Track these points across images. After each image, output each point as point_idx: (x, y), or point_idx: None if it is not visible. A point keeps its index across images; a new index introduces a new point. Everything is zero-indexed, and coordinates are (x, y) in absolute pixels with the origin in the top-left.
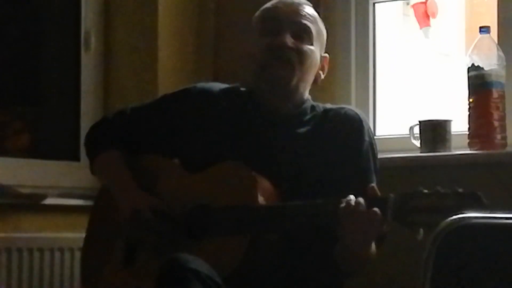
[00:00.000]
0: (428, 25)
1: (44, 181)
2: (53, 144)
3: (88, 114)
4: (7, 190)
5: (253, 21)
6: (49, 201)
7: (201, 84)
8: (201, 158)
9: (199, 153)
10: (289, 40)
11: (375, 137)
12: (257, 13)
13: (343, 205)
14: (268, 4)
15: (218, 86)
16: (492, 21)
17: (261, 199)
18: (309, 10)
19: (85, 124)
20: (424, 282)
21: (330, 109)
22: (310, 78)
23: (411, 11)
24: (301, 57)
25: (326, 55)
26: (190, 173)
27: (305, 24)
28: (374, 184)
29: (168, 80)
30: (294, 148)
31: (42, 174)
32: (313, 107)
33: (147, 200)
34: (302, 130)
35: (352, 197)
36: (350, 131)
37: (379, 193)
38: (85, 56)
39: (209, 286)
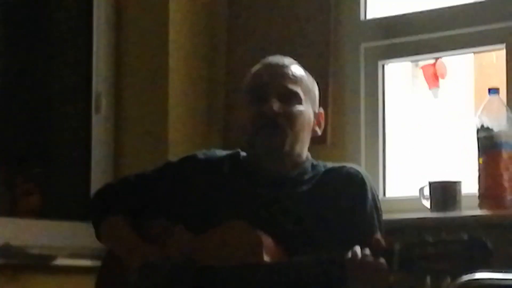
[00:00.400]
0: (437, 86)
1: (53, 242)
2: (63, 205)
3: (98, 176)
4: (17, 251)
5: (242, 91)
6: (58, 261)
7: (203, 151)
8: (205, 222)
9: (203, 217)
10: (276, 105)
11: (382, 197)
12: (245, 81)
13: (349, 257)
14: (254, 69)
15: (219, 153)
16: (501, 82)
17: (266, 258)
18: (295, 69)
19: (95, 186)
20: None
21: (332, 168)
22: (306, 138)
23: (420, 72)
24: (290, 119)
25: (321, 110)
26: (195, 235)
27: (290, 87)
28: (378, 236)
29: (178, 143)
30: (295, 207)
31: (52, 234)
32: (313, 166)
33: (157, 251)
34: (303, 189)
35: (358, 248)
36: (353, 190)
37: (384, 244)
38: (96, 118)
39: None
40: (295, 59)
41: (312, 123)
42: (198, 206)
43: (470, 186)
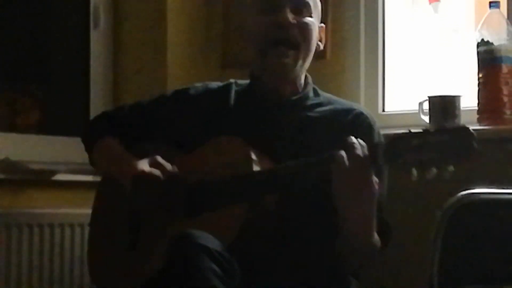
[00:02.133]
0: (438, 0)
1: (54, 157)
2: (63, 120)
3: (98, 91)
4: (17, 166)
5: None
6: (59, 177)
7: (196, 85)
8: (196, 142)
9: (194, 138)
10: (291, 16)
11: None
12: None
13: (335, 155)
14: None
15: (211, 85)
16: None
17: (256, 168)
18: None
19: (95, 100)
20: (433, 257)
21: (339, 105)
22: (311, 54)
23: None
24: (305, 33)
25: (322, 24)
26: (186, 153)
27: None
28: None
29: (177, 59)
30: (293, 131)
31: (52, 150)
32: (316, 92)
33: (147, 162)
34: (303, 114)
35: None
36: (358, 133)
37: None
38: (94, 32)
39: (220, 262)
40: None
41: (316, 38)
42: (190, 135)
43: (470, 101)
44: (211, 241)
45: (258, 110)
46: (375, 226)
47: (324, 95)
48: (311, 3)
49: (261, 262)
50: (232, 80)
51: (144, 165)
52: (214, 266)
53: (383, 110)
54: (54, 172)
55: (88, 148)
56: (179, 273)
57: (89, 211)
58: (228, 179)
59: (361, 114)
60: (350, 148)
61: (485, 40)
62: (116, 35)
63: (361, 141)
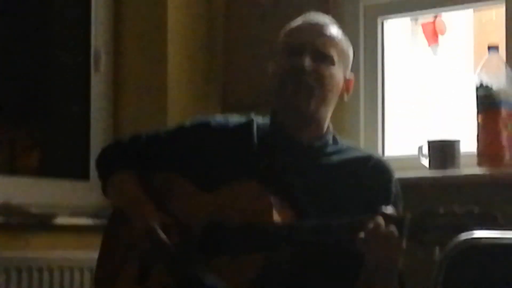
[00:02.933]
0: (437, 42)
1: (54, 200)
2: (63, 162)
3: (98, 133)
4: (17, 209)
5: (278, 41)
6: (59, 220)
7: (217, 118)
8: (215, 180)
9: (215, 181)
10: (308, 63)
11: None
12: (282, 32)
13: (365, 222)
14: (292, 23)
15: (232, 119)
16: (500, 39)
17: (276, 218)
18: (333, 30)
19: (95, 143)
20: None
21: (358, 153)
22: (332, 102)
23: (419, 29)
24: (320, 79)
25: (351, 76)
26: (204, 191)
27: (326, 47)
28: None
29: (177, 102)
30: (314, 178)
31: (52, 193)
32: (335, 140)
33: (160, 219)
34: (324, 161)
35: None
36: (378, 183)
37: (394, 213)
38: (95, 76)
39: None
40: (294, 15)
41: (340, 88)
42: (210, 172)
43: (469, 144)
44: (217, 282)
45: (279, 153)
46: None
47: (343, 142)
48: (335, 54)
49: None
50: (252, 116)
51: (157, 220)
52: None
53: (383, 154)
54: (54, 216)
55: (101, 178)
56: None
57: (89, 254)
58: (247, 227)
59: (380, 162)
60: (387, 218)
61: (484, 84)
62: (117, 77)
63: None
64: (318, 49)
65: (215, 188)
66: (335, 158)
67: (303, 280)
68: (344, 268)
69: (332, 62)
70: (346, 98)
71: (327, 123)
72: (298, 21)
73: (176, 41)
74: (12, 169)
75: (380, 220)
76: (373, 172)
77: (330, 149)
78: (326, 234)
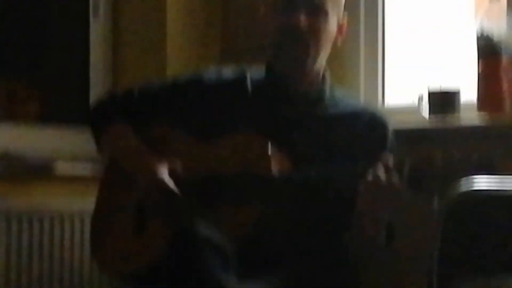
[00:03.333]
0: None
1: (53, 149)
2: (62, 109)
3: (97, 81)
4: (17, 159)
5: None
6: (59, 169)
7: (212, 70)
8: (212, 132)
9: (211, 128)
10: (303, 19)
11: (381, 106)
12: None
13: (367, 175)
14: None
15: (229, 71)
16: None
17: (275, 169)
18: None
19: (94, 89)
20: (433, 249)
21: (354, 103)
22: (326, 51)
23: None
24: (316, 35)
25: (345, 19)
26: (201, 143)
27: (319, 2)
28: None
29: (177, 48)
30: (309, 130)
31: (52, 141)
32: (332, 90)
33: (164, 166)
34: (321, 113)
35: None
36: (375, 134)
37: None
38: (94, 22)
39: (221, 254)
40: None
41: (334, 35)
42: (207, 124)
43: (469, 93)
44: (212, 233)
45: (276, 103)
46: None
47: (338, 92)
48: (329, 5)
49: (271, 260)
50: (245, 68)
51: (164, 174)
52: (215, 258)
53: (383, 104)
54: (54, 162)
55: (96, 133)
56: (179, 263)
57: (90, 202)
58: (245, 178)
59: (375, 115)
60: (386, 166)
61: (485, 31)
62: (116, 23)
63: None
64: (313, 3)
65: (213, 140)
66: (332, 109)
67: (299, 231)
68: (339, 217)
69: (326, 14)
70: (339, 42)
71: (322, 71)
72: None
73: None
74: (12, 117)
75: (380, 168)
76: (369, 124)
77: (326, 100)
78: (325, 184)
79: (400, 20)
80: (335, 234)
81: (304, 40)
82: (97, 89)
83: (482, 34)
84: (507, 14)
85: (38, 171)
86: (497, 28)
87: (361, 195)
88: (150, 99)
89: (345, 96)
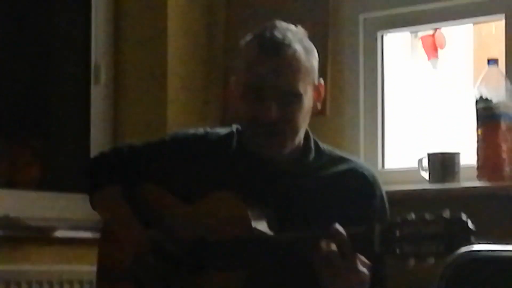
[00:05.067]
0: (436, 56)
1: (54, 214)
2: (63, 176)
3: (98, 146)
4: (17, 222)
5: (236, 68)
6: (59, 233)
7: (200, 130)
8: (195, 192)
9: (193, 187)
10: (274, 110)
11: (381, 169)
12: (239, 58)
13: (318, 245)
14: (247, 49)
15: (212, 133)
16: (500, 52)
17: (256, 230)
18: (292, 56)
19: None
20: None
21: (342, 162)
22: (306, 123)
23: (419, 43)
24: (290, 122)
25: (321, 82)
26: (185, 204)
27: (292, 85)
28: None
29: (177, 113)
30: (292, 192)
31: (52, 206)
32: (317, 149)
33: (147, 238)
34: (304, 175)
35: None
36: (361, 195)
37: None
38: (95, 88)
39: None
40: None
41: (311, 106)
42: (190, 184)
43: (469, 157)
44: None
45: (258, 166)
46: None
47: (327, 152)
48: (301, 86)
49: None
50: (234, 129)
51: (146, 242)
52: None
53: (383, 167)
54: (54, 229)
55: (88, 193)
56: None
57: (89, 267)
58: (226, 243)
59: (363, 176)
60: (333, 237)
61: (484, 97)
62: (117, 90)
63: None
64: (284, 91)
65: (195, 200)
66: (316, 170)
67: None
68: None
69: (299, 98)
70: (319, 106)
71: (302, 139)
72: (252, 45)
73: (176, 53)
74: (12, 183)
75: (331, 238)
76: (355, 185)
77: (312, 161)
78: (295, 247)
79: (400, 85)
80: None
81: (278, 132)
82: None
83: (481, 99)
84: (506, 80)
85: (38, 235)
86: (495, 93)
87: (316, 260)
88: (137, 156)
89: (334, 155)
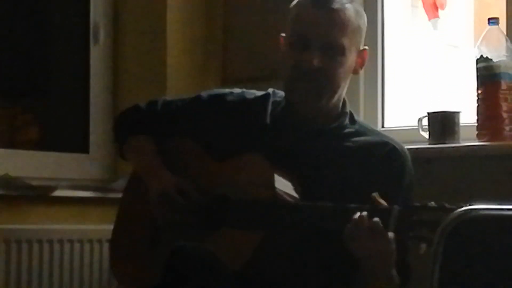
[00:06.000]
0: (437, 16)
1: (53, 173)
2: (62, 136)
3: (97, 106)
4: (17, 182)
5: (288, 20)
6: (58, 193)
7: (237, 90)
8: (226, 151)
9: (225, 146)
10: (316, 60)
11: (381, 128)
12: (290, 13)
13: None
14: (298, 6)
15: (248, 95)
16: (501, 12)
17: (279, 194)
18: (343, 13)
19: (94, 116)
20: (433, 272)
21: (375, 134)
22: (345, 84)
23: (419, 3)
24: (331, 74)
25: (366, 48)
26: (214, 160)
27: (337, 38)
28: (375, 194)
29: (177, 72)
30: (322, 160)
31: (52, 166)
32: (352, 119)
33: (175, 182)
34: (339, 145)
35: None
36: (391, 169)
37: (383, 202)
38: (94, 48)
39: (214, 275)
40: None
41: (353, 67)
42: (221, 142)
43: (469, 117)
44: (204, 254)
45: (291, 131)
46: (392, 268)
47: (360, 123)
48: (346, 41)
49: (269, 286)
50: (270, 91)
51: (172, 183)
52: (207, 276)
53: (383, 126)
54: (53, 188)
55: (119, 142)
56: (173, 281)
57: (89, 226)
58: (249, 204)
59: (395, 150)
60: (373, 209)
61: (484, 56)
62: (116, 50)
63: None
64: (328, 42)
65: (225, 159)
66: (348, 141)
67: (297, 261)
68: (340, 257)
69: (343, 52)
70: (359, 71)
71: (340, 103)
72: (306, 1)
73: (175, 12)
74: (12, 143)
75: (365, 211)
76: (385, 159)
77: (344, 130)
78: (319, 219)
79: (400, 43)
80: (337, 268)
81: (317, 80)
82: (97, 115)
83: (481, 58)
84: (506, 39)
85: (37, 195)
86: (496, 53)
87: (347, 234)
88: (173, 111)
89: (367, 128)
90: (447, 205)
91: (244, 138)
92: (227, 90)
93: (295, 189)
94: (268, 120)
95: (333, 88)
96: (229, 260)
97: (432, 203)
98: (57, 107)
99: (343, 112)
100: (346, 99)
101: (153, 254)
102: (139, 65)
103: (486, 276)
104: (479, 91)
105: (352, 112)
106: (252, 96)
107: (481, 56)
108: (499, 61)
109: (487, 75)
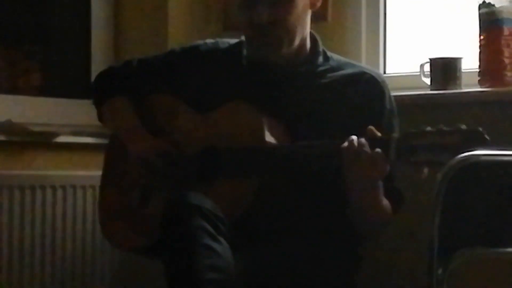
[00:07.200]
0: None
1: (56, 119)
2: (64, 82)
3: (99, 52)
4: (19, 128)
5: None
6: (61, 139)
7: (207, 42)
8: (208, 102)
9: (206, 97)
10: (266, 14)
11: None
12: None
13: (346, 144)
14: None
15: (222, 44)
16: None
17: (268, 139)
18: None
19: (96, 63)
20: (434, 218)
21: (350, 66)
22: (305, 21)
23: None
24: (284, 23)
25: None
26: (199, 113)
27: None
28: (372, 127)
29: (178, 23)
30: (308, 99)
31: (54, 112)
32: (325, 55)
33: (153, 145)
34: (317, 82)
35: (354, 137)
36: (372, 99)
37: (379, 134)
38: None
39: (212, 221)
40: None
41: (308, 4)
42: (202, 93)
43: (471, 62)
44: (203, 201)
45: (269, 75)
46: (382, 195)
47: (334, 58)
48: None
49: (270, 233)
50: (243, 38)
51: (151, 147)
52: (205, 224)
53: (385, 72)
54: (56, 134)
55: (97, 104)
56: (172, 233)
57: (91, 172)
58: (240, 151)
59: (372, 78)
60: (371, 139)
61: (487, 2)
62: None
63: (375, 132)
64: None
65: (209, 110)
66: (327, 76)
67: (297, 203)
68: (335, 192)
69: None
70: (318, 3)
71: (307, 41)
72: None
73: None
74: (14, 89)
75: (364, 141)
76: (365, 88)
77: (320, 67)
78: (313, 156)
79: None
80: (333, 207)
81: (272, 33)
82: (98, 61)
83: (483, 4)
84: None
85: (40, 140)
86: None
87: (344, 161)
88: (149, 68)
89: (341, 61)
90: (444, 128)
91: (224, 85)
92: (200, 41)
93: (284, 132)
94: (245, 65)
95: (289, 36)
96: (228, 210)
97: (429, 128)
98: (59, 53)
99: (315, 52)
100: (318, 38)
101: (144, 213)
102: (140, 10)
103: (486, 221)
104: (481, 37)
105: (325, 49)
106: (226, 45)
107: (484, 1)
108: (502, 6)
109: (490, 20)
